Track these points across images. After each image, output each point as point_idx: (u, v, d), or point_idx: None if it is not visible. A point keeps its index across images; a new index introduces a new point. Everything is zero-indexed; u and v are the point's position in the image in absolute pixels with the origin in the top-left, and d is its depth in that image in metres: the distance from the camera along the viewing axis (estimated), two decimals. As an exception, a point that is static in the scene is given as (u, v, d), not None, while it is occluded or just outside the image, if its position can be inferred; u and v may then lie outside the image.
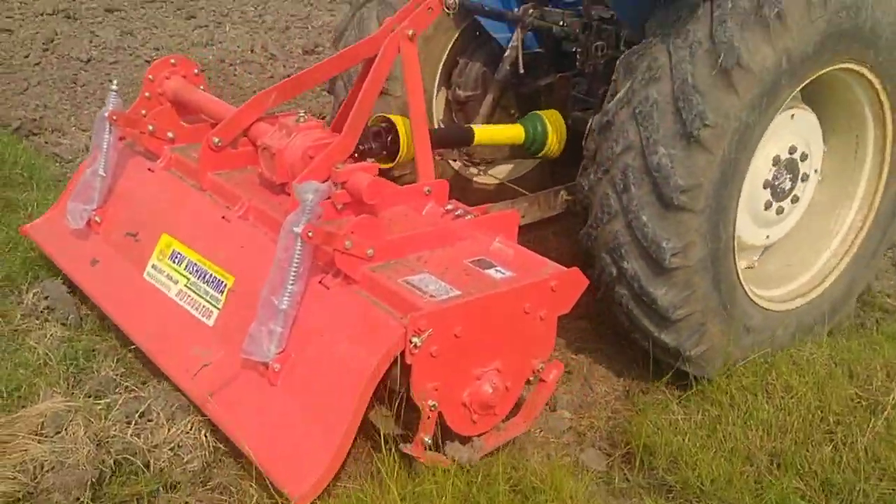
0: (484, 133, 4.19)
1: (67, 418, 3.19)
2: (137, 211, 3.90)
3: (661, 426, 3.48)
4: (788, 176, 3.89)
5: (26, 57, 8.30)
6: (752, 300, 3.82)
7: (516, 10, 4.39)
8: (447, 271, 3.16)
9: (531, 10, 4.34)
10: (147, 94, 4.06)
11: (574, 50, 4.35)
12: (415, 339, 2.81)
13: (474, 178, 4.79)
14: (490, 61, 4.58)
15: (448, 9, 3.66)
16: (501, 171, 4.87)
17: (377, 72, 3.53)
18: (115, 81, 3.91)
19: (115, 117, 3.80)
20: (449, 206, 3.52)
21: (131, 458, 3.10)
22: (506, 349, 3.10)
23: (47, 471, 2.99)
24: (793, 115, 3.80)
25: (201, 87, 4.13)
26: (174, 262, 3.60)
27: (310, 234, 2.96)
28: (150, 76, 4.06)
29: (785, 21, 3.33)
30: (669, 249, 3.39)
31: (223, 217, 3.55)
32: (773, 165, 3.81)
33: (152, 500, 3.02)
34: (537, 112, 4.31)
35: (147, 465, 3.10)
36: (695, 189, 3.34)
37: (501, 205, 3.89)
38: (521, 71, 4.28)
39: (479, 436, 3.15)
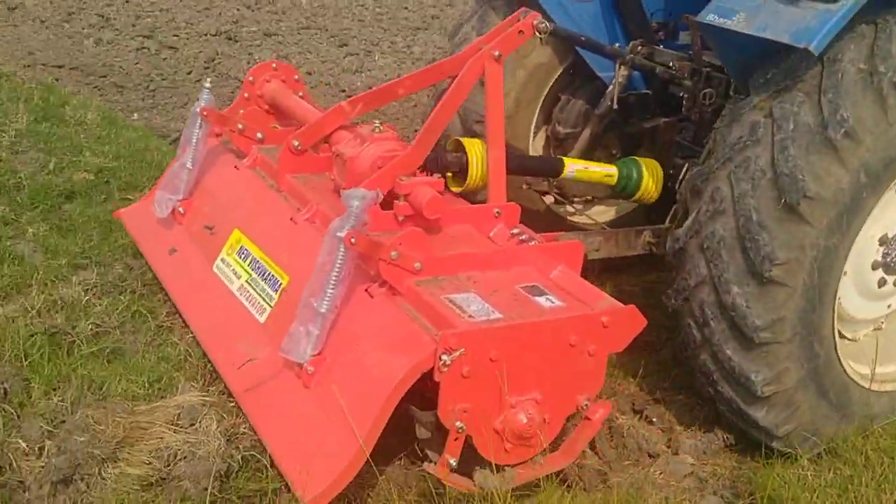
0: (575, 166, 4.05)
1: (202, 412, 3.30)
2: (218, 205, 3.99)
3: (788, 480, 3.26)
4: None
5: (188, 73, 8.80)
6: (870, 390, 3.51)
7: (623, 45, 4.24)
8: (495, 294, 3.07)
9: (639, 48, 4.17)
10: (246, 94, 4.18)
11: (681, 94, 4.17)
12: (444, 357, 2.72)
13: (568, 217, 4.64)
14: (593, 99, 4.41)
15: (540, 33, 3.56)
16: (595, 212, 4.70)
17: (457, 90, 3.48)
18: (208, 79, 4.04)
19: (205, 113, 3.90)
20: (515, 231, 3.43)
21: (258, 456, 3.17)
22: (547, 380, 2.95)
23: (180, 459, 3.09)
24: None
25: (300, 94, 4.20)
26: (240, 257, 3.65)
27: (353, 240, 2.93)
28: (251, 78, 4.18)
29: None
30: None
31: (291, 218, 3.57)
32: (881, 245, 3.45)
33: (274, 498, 3.07)
34: (636, 158, 4.13)
35: (272, 464, 3.12)
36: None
37: (572, 235, 3.75)
38: (615, 107, 4.13)
39: (512, 466, 3.02)
